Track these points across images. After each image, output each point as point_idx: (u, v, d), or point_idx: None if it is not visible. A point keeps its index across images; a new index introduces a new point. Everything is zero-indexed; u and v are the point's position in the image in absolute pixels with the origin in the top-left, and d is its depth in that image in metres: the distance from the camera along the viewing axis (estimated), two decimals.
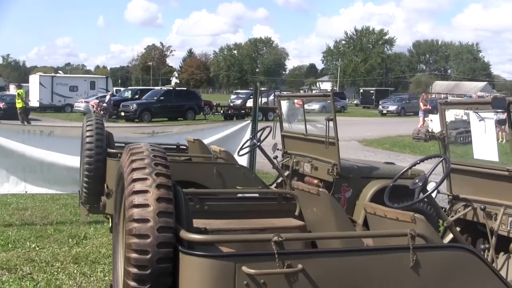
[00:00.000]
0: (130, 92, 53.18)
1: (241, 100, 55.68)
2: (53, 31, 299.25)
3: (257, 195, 6.31)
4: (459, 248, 3.77)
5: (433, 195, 5.46)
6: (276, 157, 9.53)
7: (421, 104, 35.07)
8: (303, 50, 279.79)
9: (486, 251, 5.58)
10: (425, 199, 5.36)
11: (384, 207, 4.39)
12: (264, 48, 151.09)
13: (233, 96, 63.76)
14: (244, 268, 3.11)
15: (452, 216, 5.86)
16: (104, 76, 65.20)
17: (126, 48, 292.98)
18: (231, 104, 53.71)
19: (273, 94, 41.16)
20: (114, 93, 54.81)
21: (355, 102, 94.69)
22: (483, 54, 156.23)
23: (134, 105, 43.95)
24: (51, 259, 8.34)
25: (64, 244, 9.19)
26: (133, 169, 3.35)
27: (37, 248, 8.90)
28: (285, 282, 3.19)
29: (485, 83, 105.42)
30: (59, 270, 7.92)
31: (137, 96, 48.97)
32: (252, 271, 3.11)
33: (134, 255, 3.15)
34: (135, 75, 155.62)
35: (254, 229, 4.50)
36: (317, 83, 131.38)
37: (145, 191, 3.24)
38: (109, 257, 8.53)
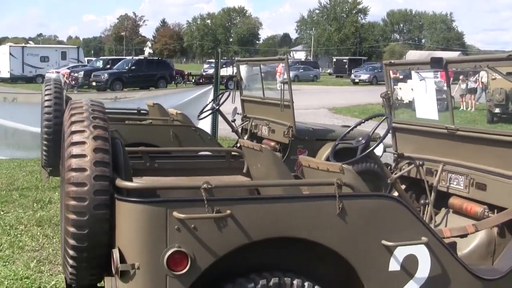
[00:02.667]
0: (101, 62, 52.72)
1: (213, 70, 55.53)
2: (24, 1, 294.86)
3: (207, 153, 6.48)
4: (383, 197, 3.98)
5: (379, 153, 5.67)
6: (234, 121, 9.72)
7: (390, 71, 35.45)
8: (277, 19, 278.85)
9: (426, 206, 5.81)
10: (369, 157, 5.58)
11: (317, 160, 4.60)
12: (238, 17, 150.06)
13: (205, 66, 63.44)
14: (175, 213, 3.30)
15: (396, 174, 6.08)
16: (76, 47, 64.56)
17: (99, 19, 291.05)
18: (204, 74, 53.55)
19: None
20: (86, 63, 54.46)
21: (328, 71, 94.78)
22: (456, 24, 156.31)
23: (106, 74, 43.61)
24: (15, 223, 8.50)
25: (28, 208, 9.35)
26: (72, 122, 3.51)
27: (1, 213, 9.05)
28: (215, 227, 3.39)
29: (459, 53, 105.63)
30: (23, 232, 8.10)
31: (108, 66, 48.57)
32: (182, 215, 3.30)
33: (72, 202, 3.32)
34: (108, 45, 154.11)
35: None
36: (291, 52, 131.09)
37: (83, 142, 3.41)
38: None
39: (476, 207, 5.21)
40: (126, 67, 45.19)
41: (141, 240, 3.32)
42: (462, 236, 4.89)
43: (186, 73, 50.81)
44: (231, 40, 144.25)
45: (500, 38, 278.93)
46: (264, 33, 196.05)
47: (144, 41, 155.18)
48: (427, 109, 6.00)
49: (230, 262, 3.56)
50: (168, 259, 3.32)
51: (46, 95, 7.45)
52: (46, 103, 7.38)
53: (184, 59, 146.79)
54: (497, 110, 23.97)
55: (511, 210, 4.77)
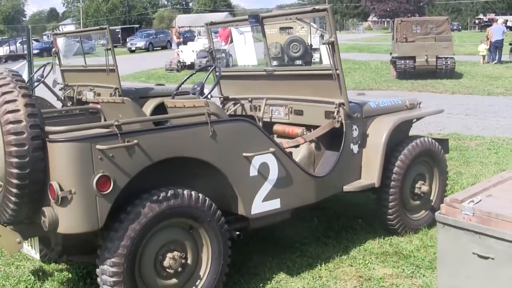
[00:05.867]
0: None
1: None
2: None
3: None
4: (241, 120, 5.24)
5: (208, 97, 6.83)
6: (61, 89, 10.45)
7: (174, 37, 36.62)
8: None
9: None
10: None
11: (182, 100, 5.73)
12: None
13: None
14: (98, 146, 4.28)
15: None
16: None
17: None
18: None
19: (20, 41, 39.97)
20: None
21: (101, 42, 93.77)
22: None
23: None
24: None
25: None
26: (0, 85, 4.31)
27: None
28: (127, 154, 4.42)
29: (227, 13, 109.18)
30: None
31: None
32: (103, 147, 4.29)
33: (14, 148, 4.14)
34: None
35: None
36: (60, 26, 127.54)
37: (14, 100, 4.23)
38: None
39: (296, 129, 6.56)
40: None
41: (74, 170, 4.25)
42: (296, 147, 6.23)
43: None
44: None
45: None
46: (29, 9, 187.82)
47: None
48: (246, 57, 7.26)
49: (138, 183, 4.58)
50: (96, 182, 4.28)
51: None
52: None
53: None
54: (274, 63, 25.98)
55: (326, 124, 6.16)
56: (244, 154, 5.11)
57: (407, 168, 6.45)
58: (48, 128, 4.34)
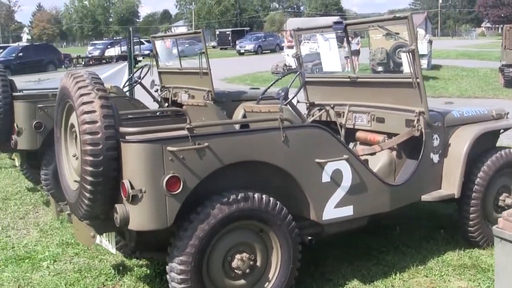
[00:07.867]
0: None
1: (99, 51, 55.38)
2: None
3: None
4: (314, 127, 5.29)
5: (294, 102, 6.91)
6: (157, 91, 10.78)
7: (285, 40, 36.87)
8: None
9: None
10: (288, 105, 6.81)
11: (258, 105, 5.84)
12: None
13: (90, 48, 62.79)
14: (169, 148, 4.45)
15: (310, 119, 7.35)
16: None
17: None
18: (89, 56, 53.30)
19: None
20: None
21: (212, 44, 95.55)
22: None
23: None
24: None
25: None
26: (79, 87, 4.54)
27: None
28: (197, 155, 4.57)
29: (338, 17, 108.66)
30: None
31: None
32: (174, 149, 4.45)
33: (89, 147, 4.38)
34: None
35: None
36: (172, 28, 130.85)
37: (91, 102, 4.46)
38: (17, 193, 9.55)
39: (377, 137, 6.55)
40: (14, 55, 44.14)
41: (145, 170, 4.44)
42: (372, 154, 6.22)
43: (75, 56, 50.55)
44: (111, 20, 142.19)
45: (374, 0, 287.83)
46: (143, 11, 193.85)
47: (21, 27, 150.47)
48: (331, 63, 7.31)
49: (209, 185, 4.73)
50: (166, 183, 4.45)
51: None
52: None
53: (64, 43, 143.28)
54: (379, 69, 25.71)
55: (404, 133, 6.12)
56: (317, 160, 5.15)
57: (490, 180, 6.31)
58: (122, 129, 4.55)
